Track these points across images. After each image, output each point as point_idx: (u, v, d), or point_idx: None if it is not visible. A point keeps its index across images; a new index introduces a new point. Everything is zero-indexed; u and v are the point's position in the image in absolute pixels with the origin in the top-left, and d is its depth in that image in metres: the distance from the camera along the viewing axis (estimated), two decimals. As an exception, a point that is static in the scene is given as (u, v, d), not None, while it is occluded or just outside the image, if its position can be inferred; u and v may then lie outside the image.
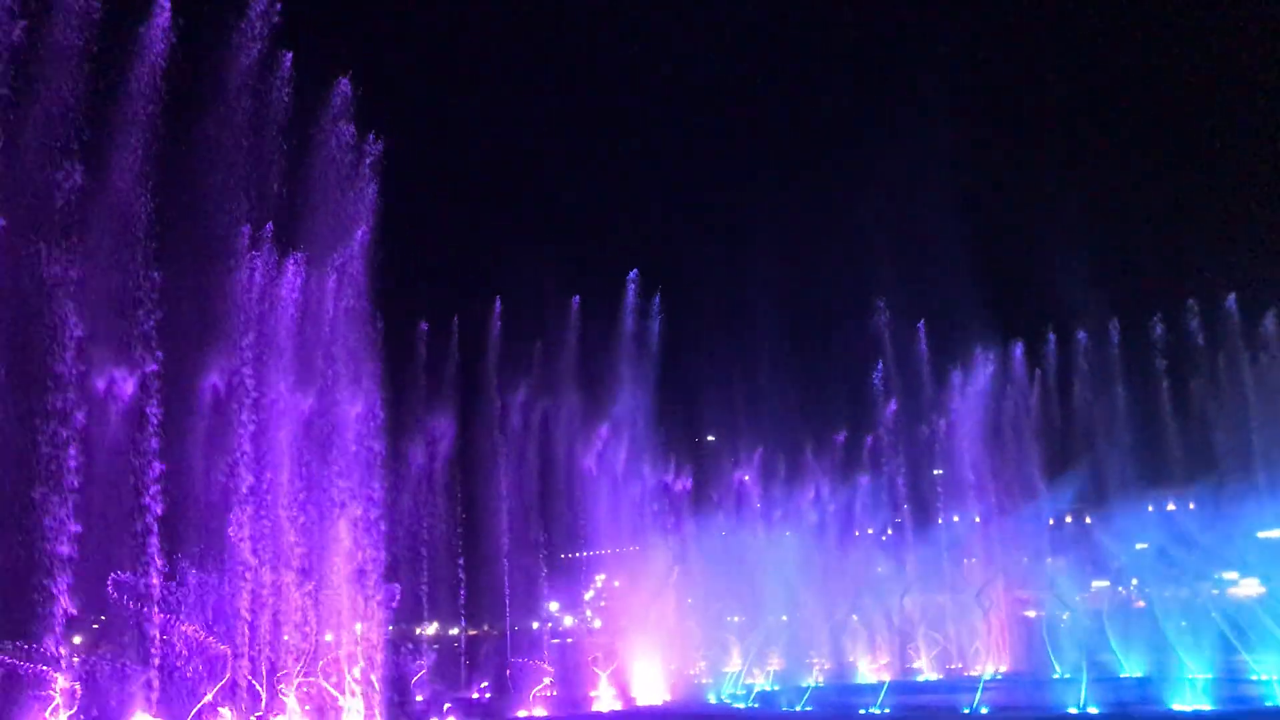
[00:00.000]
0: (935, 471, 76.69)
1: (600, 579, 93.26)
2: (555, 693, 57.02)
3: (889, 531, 77.15)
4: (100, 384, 37.03)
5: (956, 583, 72.31)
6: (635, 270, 66.49)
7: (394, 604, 49.68)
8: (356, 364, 41.11)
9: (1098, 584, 74.89)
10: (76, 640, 39.21)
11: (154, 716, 38.01)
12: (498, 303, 65.66)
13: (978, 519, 74.14)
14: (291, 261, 39.04)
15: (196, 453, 39.67)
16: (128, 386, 36.81)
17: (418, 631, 63.62)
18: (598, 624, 75.43)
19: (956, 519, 75.20)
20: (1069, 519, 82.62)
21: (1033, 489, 71.70)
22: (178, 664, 35.40)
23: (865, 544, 74.24)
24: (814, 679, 64.64)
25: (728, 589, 64.90)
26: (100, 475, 35.85)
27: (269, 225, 38.34)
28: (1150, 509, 69.91)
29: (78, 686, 33.44)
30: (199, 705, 37.03)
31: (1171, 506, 75.46)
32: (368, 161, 41.11)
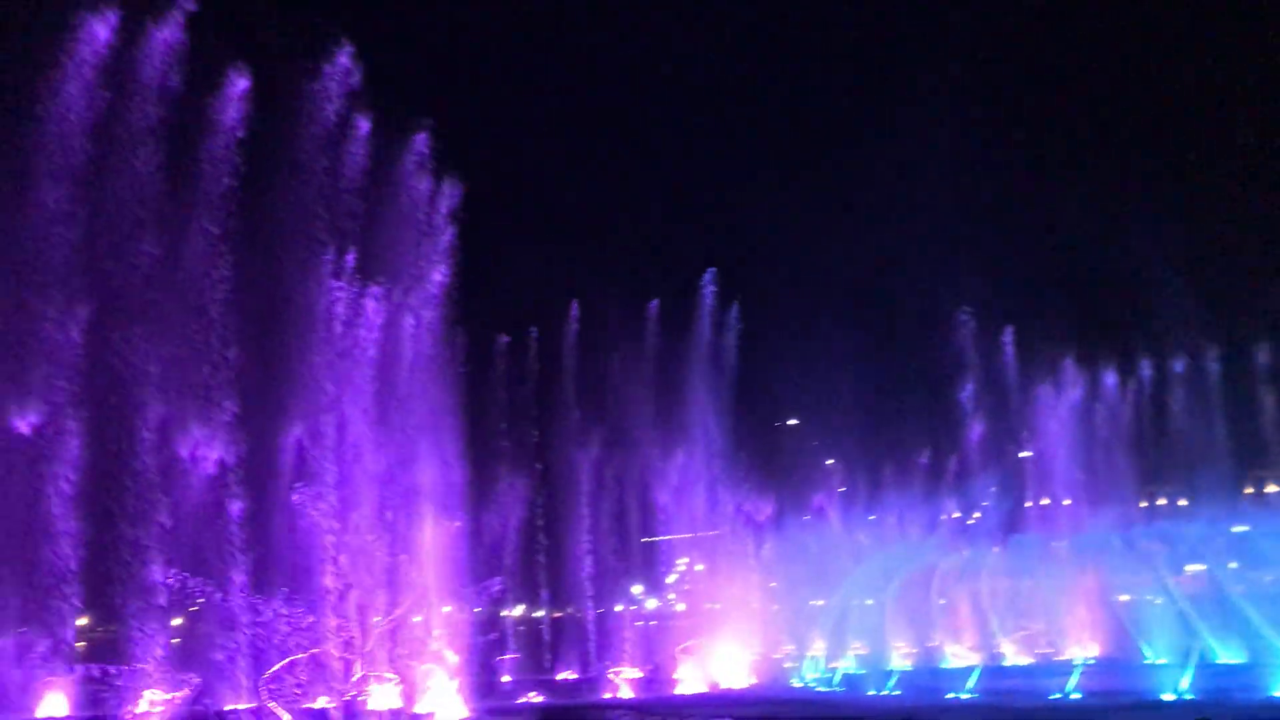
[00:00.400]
0: (1022, 454, 75.36)
1: (683, 562, 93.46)
2: (639, 674, 57.45)
3: (976, 515, 75.98)
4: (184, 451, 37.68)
5: (1046, 565, 70.98)
6: (711, 271, 66.03)
7: (495, 592, 50.68)
8: (437, 394, 41.64)
9: (1191, 568, 72.95)
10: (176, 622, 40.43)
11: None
12: (574, 307, 66.17)
13: (1067, 501, 72.73)
14: (371, 300, 39.25)
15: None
16: (210, 453, 37.35)
17: (503, 614, 64.42)
18: (680, 607, 75.54)
19: (1046, 501, 73.82)
20: (1162, 501, 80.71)
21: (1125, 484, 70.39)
22: (268, 645, 36.08)
23: (952, 526, 73.21)
24: (900, 663, 64.08)
25: (811, 573, 64.52)
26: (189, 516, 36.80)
27: (349, 257, 38.61)
28: (1249, 490, 67.96)
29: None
30: (290, 686, 38.17)
31: (1272, 487, 73.31)
32: (444, 209, 41.79)
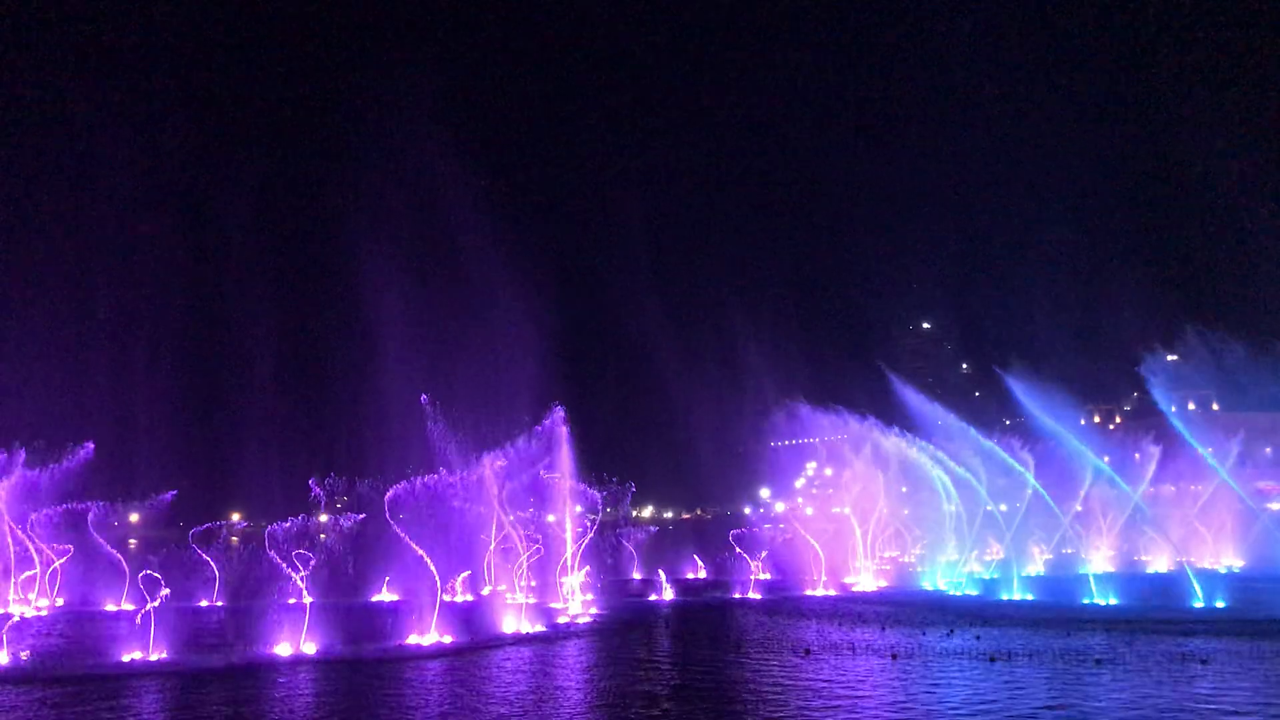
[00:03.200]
0: (1170, 357, 72.55)
1: (811, 466, 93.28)
2: (767, 576, 58.09)
3: (1117, 419, 73.76)
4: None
5: (1190, 474, 68.71)
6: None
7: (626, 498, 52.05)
8: None
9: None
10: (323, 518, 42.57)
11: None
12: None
13: (1215, 406, 69.86)
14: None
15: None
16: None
17: (634, 514, 65.63)
18: (809, 511, 75.71)
19: (1192, 406, 71.06)
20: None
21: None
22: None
23: (1090, 432, 71.23)
24: (1036, 568, 63.26)
25: (942, 479, 63.72)
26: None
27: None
28: None
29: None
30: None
31: None
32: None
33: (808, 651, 31.12)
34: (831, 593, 53.07)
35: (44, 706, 23.83)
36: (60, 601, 48.01)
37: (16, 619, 35.92)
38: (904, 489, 63.94)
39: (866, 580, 57.63)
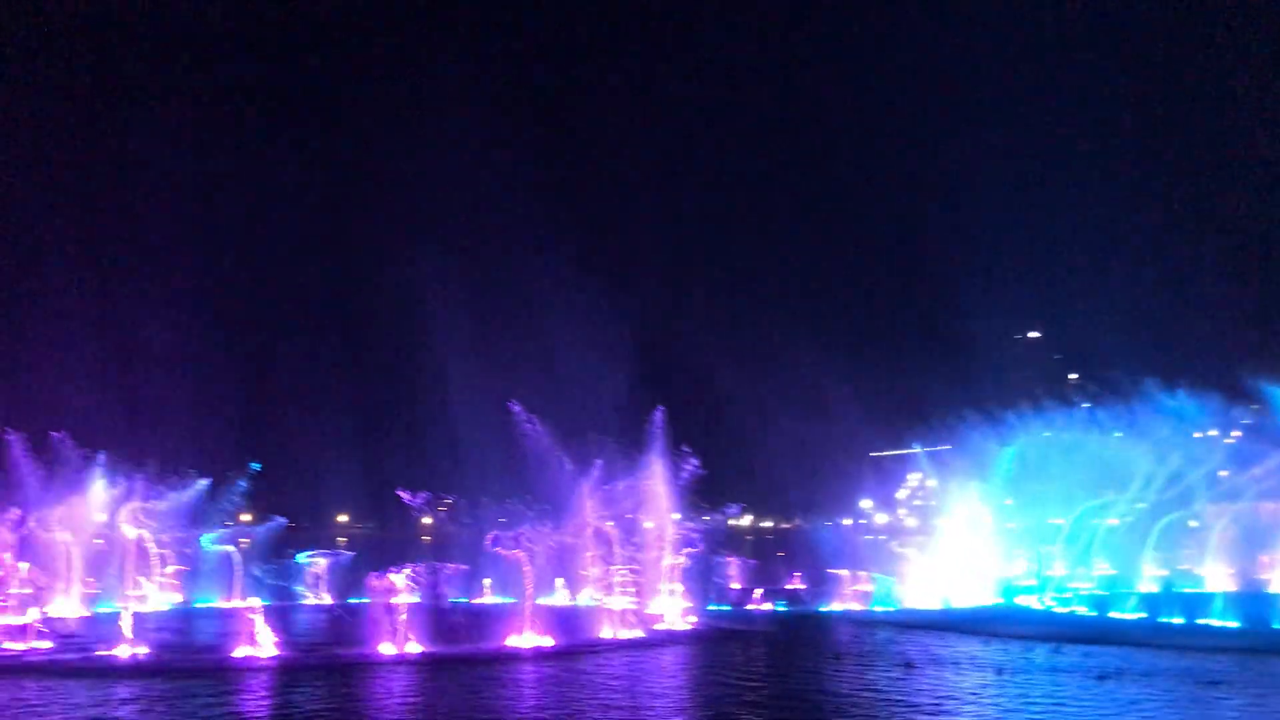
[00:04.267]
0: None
1: (915, 477, 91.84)
2: (867, 588, 57.15)
3: (1235, 433, 70.94)
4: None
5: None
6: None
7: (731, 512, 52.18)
8: None
9: None
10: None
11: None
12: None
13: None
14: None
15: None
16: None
17: (730, 523, 65.25)
18: (911, 522, 74.49)
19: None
20: None
21: None
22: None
23: (1208, 445, 68.61)
24: (1147, 586, 61.10)
25: (1049, 491, 62.12)
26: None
27: None
28: None
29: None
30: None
31: None
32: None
33: (909, 665, 30.57)
34: (933, 606, 52.02)
35: (156, 701, 24.66)
36: (179, 598, 49.85)
37: (137, 612, 37.19)
38: (1008, 501, 62.49)
39: (971, 595, 56.33)
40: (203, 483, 50.88)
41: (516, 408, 44.37)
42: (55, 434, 48.82)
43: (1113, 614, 49.22)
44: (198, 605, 49.08)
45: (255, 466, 52.03)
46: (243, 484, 52.86)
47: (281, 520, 57.52)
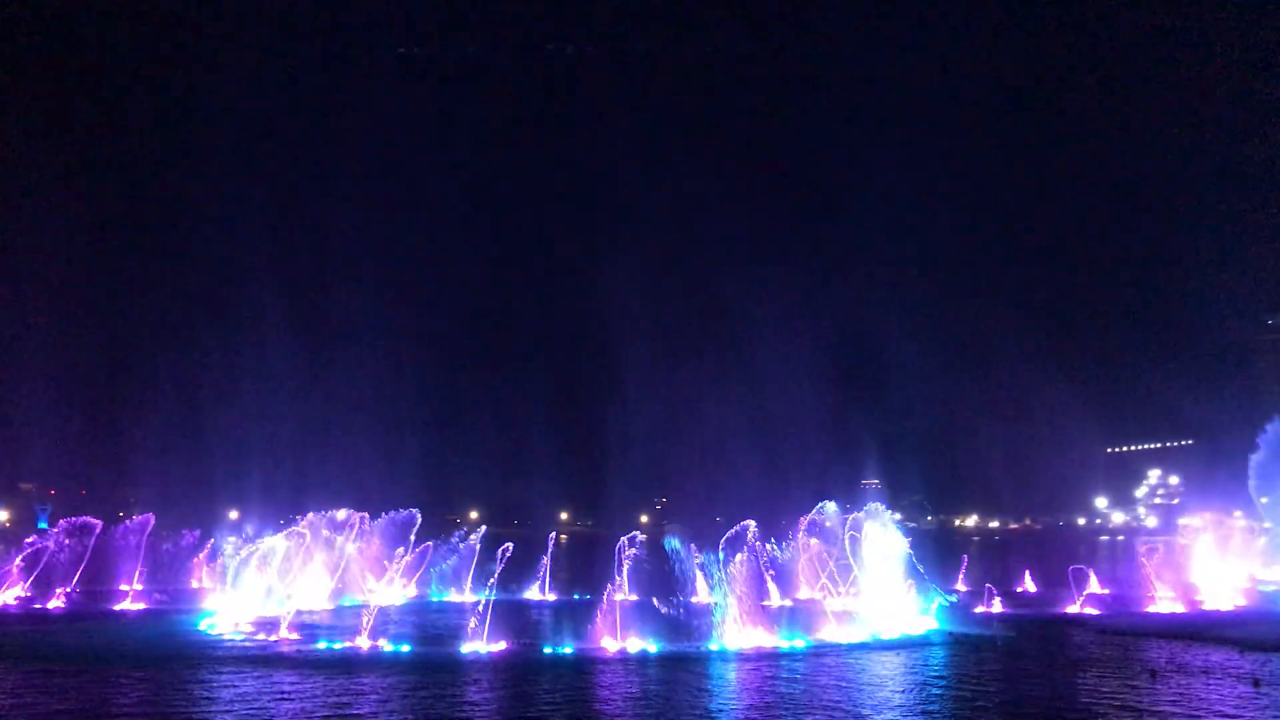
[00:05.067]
0: None
1: (1155, 474, 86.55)
2: (1104, 591, 54.03)
3: None
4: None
5: None
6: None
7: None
8: None
9: None
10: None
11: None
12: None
13: None
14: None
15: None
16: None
17: (956, 523, 63.35)
18: (1152, 522, 70.12)
19: None
20: None
21: None
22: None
23: None
24: None
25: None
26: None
27: None
28: None
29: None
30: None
31: None
32: None
33: (1154, 673, 28.71)
34: (1178, 610, 48.68)
35: (393, 692, 25.89)
36: (414, 592, 52.76)
37: (378, 607, 39.33)
38: (1264, 499, 57.93)
39: (1221, 598, 52.42)
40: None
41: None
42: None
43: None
44: (433, 600, 52.01)
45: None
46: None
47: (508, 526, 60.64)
